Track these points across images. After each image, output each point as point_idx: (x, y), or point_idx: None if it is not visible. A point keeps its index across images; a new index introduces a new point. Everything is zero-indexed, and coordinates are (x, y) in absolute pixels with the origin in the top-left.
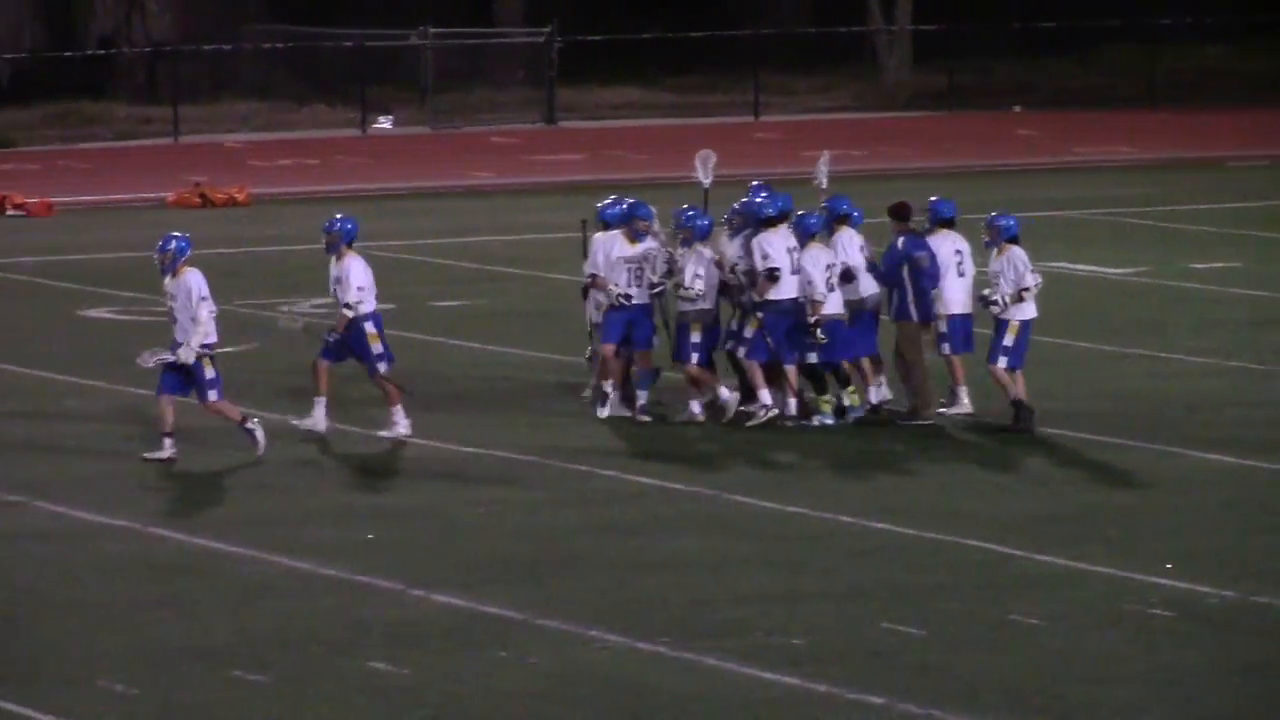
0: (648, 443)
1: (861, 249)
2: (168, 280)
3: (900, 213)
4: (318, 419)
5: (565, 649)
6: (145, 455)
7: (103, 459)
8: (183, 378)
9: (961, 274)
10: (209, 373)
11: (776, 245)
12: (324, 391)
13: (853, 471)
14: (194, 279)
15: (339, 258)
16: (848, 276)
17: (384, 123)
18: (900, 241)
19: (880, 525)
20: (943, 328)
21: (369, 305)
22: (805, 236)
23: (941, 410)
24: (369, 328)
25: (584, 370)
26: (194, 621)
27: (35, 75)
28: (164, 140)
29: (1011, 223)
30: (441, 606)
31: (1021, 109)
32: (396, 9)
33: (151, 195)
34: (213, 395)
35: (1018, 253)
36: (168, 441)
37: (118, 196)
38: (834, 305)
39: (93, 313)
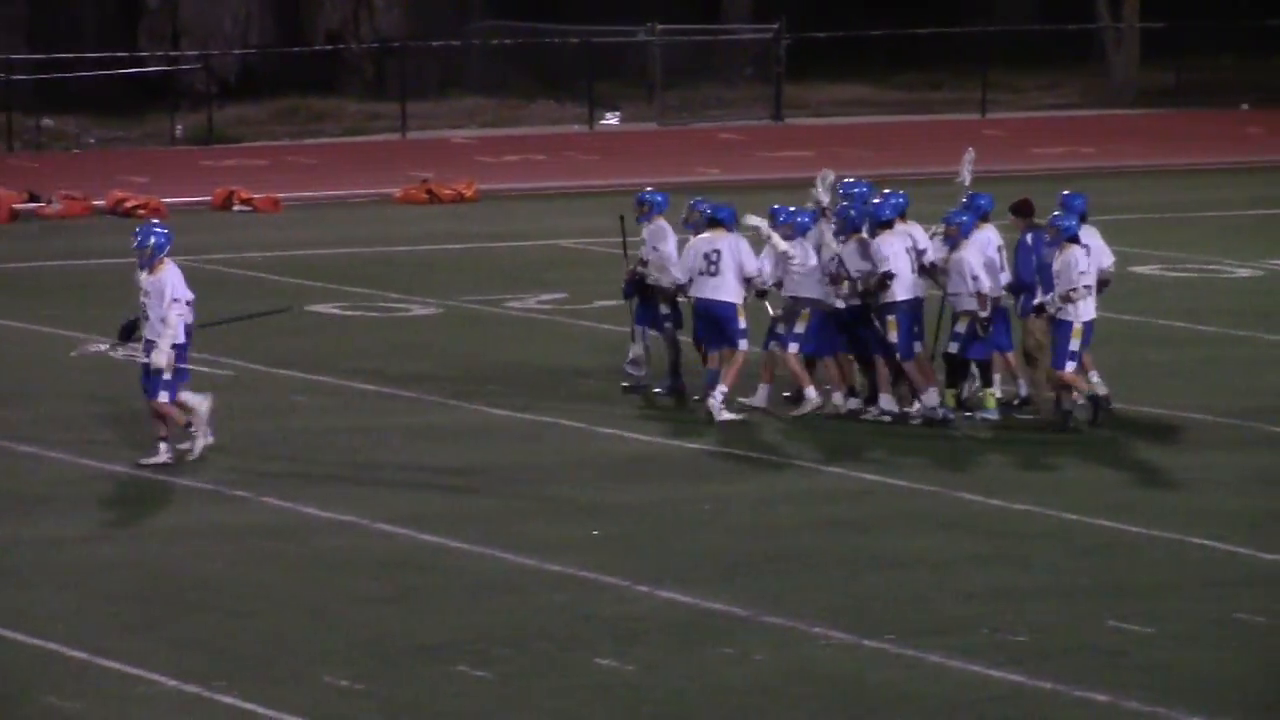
0: (870, 440)
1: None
2: (144, 275)
3: (1024, 209)
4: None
5: (789, 646)
6: (140, 460)
7: (331, 454)
8: (169, 379)
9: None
10: (166, 375)
11: (896, 247)
12: None
13: (1073, 468)
14: (171, 276)
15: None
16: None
17: (611, 119)
18: (1029, 238)
19: (1104, 522)
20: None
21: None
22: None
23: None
24: None
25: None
26: (420, 617)
27: (263, 71)
28: (391, 136)
29: (1072, 223)
30: (666, 603)
31: (1249, 107)
32: (625, 6)
33: (378, 191)
34: (163, 396)
35: (1076, 254)
36: (165, 442)
37: (344, 192)
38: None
39: (319, 308)
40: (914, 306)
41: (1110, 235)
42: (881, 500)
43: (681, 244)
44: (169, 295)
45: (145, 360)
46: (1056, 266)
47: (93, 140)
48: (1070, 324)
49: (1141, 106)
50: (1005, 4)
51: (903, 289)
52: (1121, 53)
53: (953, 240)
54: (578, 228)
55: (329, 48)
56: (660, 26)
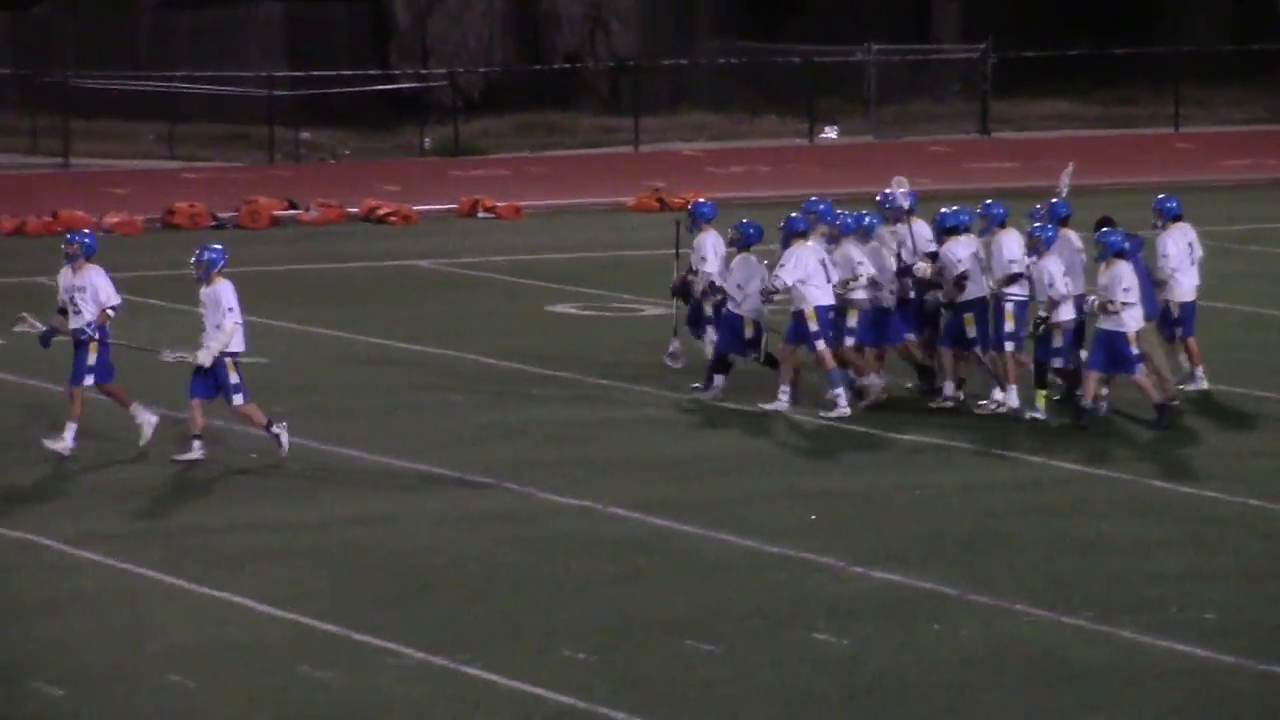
0: (1069, 433)
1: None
2: (203, 289)
3: (1107, 224)
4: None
5: (994, 623)
6: (175, 457)
7: (565, 445)
8: (211, 382)
9: (1192, 262)
10: (233, 377)
11: (962, 252)
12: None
13: (1257, 458)
14: (224, 289)
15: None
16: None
17: (830, 133)
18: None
19: None
20: (1176, 314)
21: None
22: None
23: (1181, 387)
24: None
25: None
26: (650, 595)
27: (505, 88)
28: (625, 149)
29: (1117, 238)
30: (879, 582)
31: None
32: (842, 27)
33: (613, 199)
34: (238, 399)
35: (1121, 269)
36: (197, 444)
37: (581, 201)
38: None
39: (558, 308)
40: (984, 304)
41: None
42: (1080, 487)
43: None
44: (224, 304)
45: (193, 360)
46: (1102, 280)
47: (348, 152)
48: (1113, 332)
49: None
50: (1197, 24)
51: (976, 288)
52: None
53: (1036, 250)
54: None
55: (567, 66)
56: (876, 47)
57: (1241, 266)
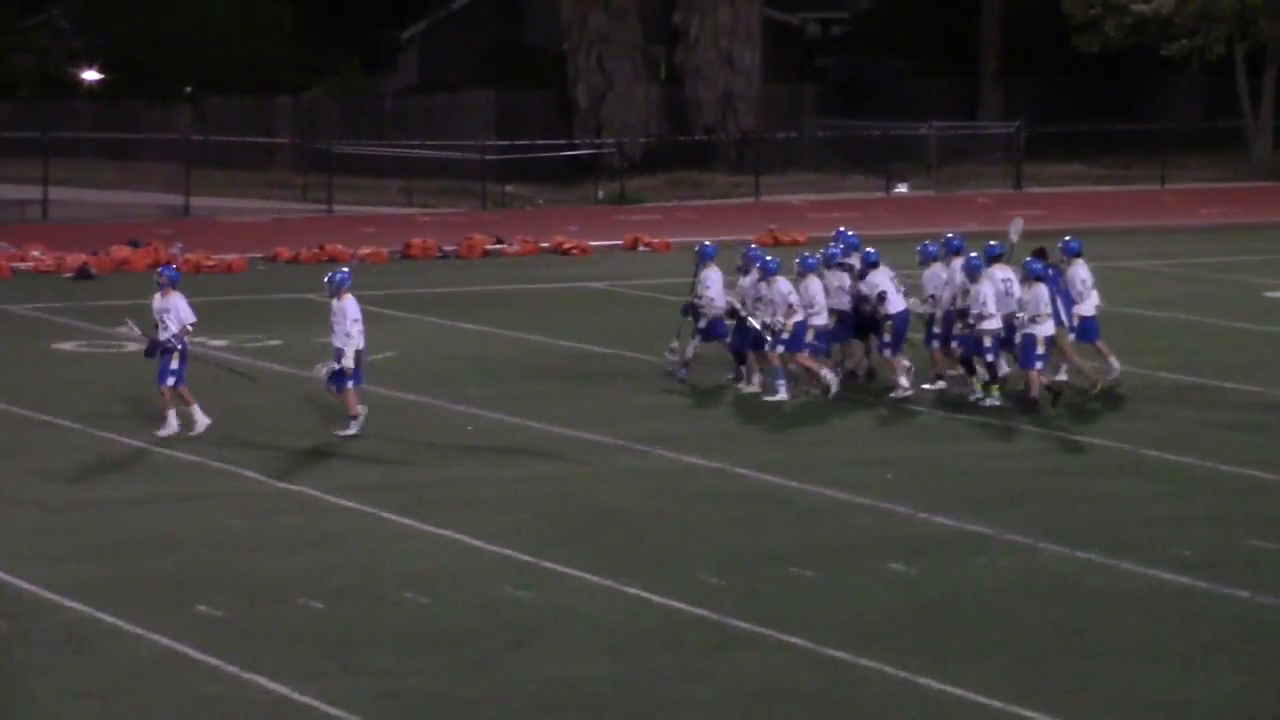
0: (1079, 412)
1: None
2: (334, 302)
3: (1040, 255)
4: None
5: (1025, 556)
6: (338, 432)
7: (703, 421)
8: (344, 375)
9: (1092, 286)
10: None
11: (988, 290)
12: None
13: (1225, 431)
14: (350, 304)
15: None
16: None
17: (901, 188)
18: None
19: (1253, 472)
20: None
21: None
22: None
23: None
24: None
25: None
26: (766, 534)
27: (659, 153)
28: (748, 200)
29: (1038, 266)
30: (940, 525)
31: None
32: (910, 109)
33: (739, 237)
34: (349, 384)
35: (1040, 290)
36: (354, 422)
37: (716, 238)
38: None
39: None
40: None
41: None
42: (1088, 455)
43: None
44: (350, 316)
45: (339, 368)
46: (1025, 298)
47: (541, 201)
48: (1034, 336)
49: (1273, 179)
50: (1178, 106)
51: (992, 323)
52: (1258, 141)
53: (973, 278)
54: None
55: (705, 137)
56: (936, 124)
57: (1212, 289)
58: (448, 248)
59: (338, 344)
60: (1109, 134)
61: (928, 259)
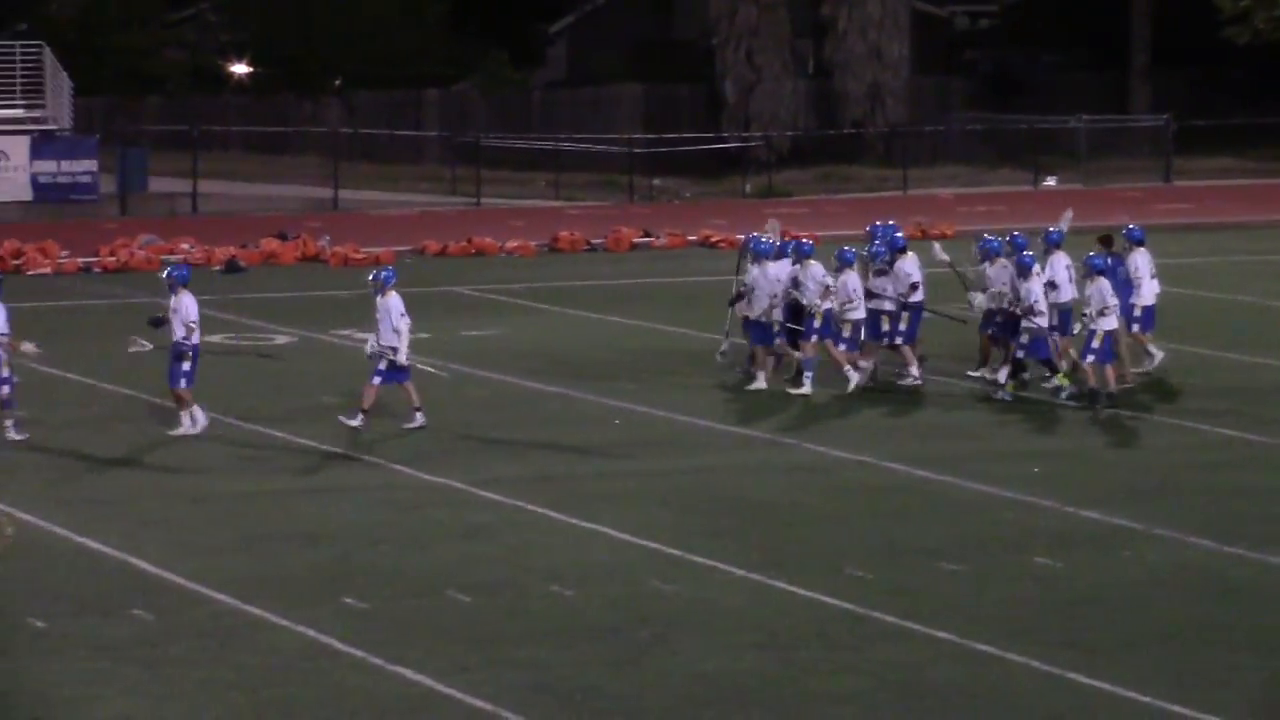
0: (1226, 405)
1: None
2: (379, 299)
3: (1106, 242)
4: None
5: (1172, 550)
6: (343, 419)
7: (854, 414)
8: (392, 371)
9: (1151, 276)
10: (383, 365)
11: (1037, 286)
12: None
13: None
14: (395, 301)
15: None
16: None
17: (1050, 181)
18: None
19: None
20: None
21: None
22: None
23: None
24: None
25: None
26: (913, 528)
27: (807, 146)
28: (896, 193)
29: (1100, 261)
30: (1086, 519)
31: None
32: (1060, 102)
33: None
34: (376, 380)
35: (1101, 284)
36: (360, 417)
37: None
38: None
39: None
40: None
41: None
42: (1235, 449)
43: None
44: (397, 312)
45: (394, 357)
46: (1088, 292)
47: (688, 195)
48: (1098, 332)
49: None
50: None
51: (1040, 320)
52: None
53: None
54: None
55: (853, 131)
56: (1085, 116)
57: None
58: (595, 241)
59: (385, 341)
60: (1259, 127)
61: (991, 254)
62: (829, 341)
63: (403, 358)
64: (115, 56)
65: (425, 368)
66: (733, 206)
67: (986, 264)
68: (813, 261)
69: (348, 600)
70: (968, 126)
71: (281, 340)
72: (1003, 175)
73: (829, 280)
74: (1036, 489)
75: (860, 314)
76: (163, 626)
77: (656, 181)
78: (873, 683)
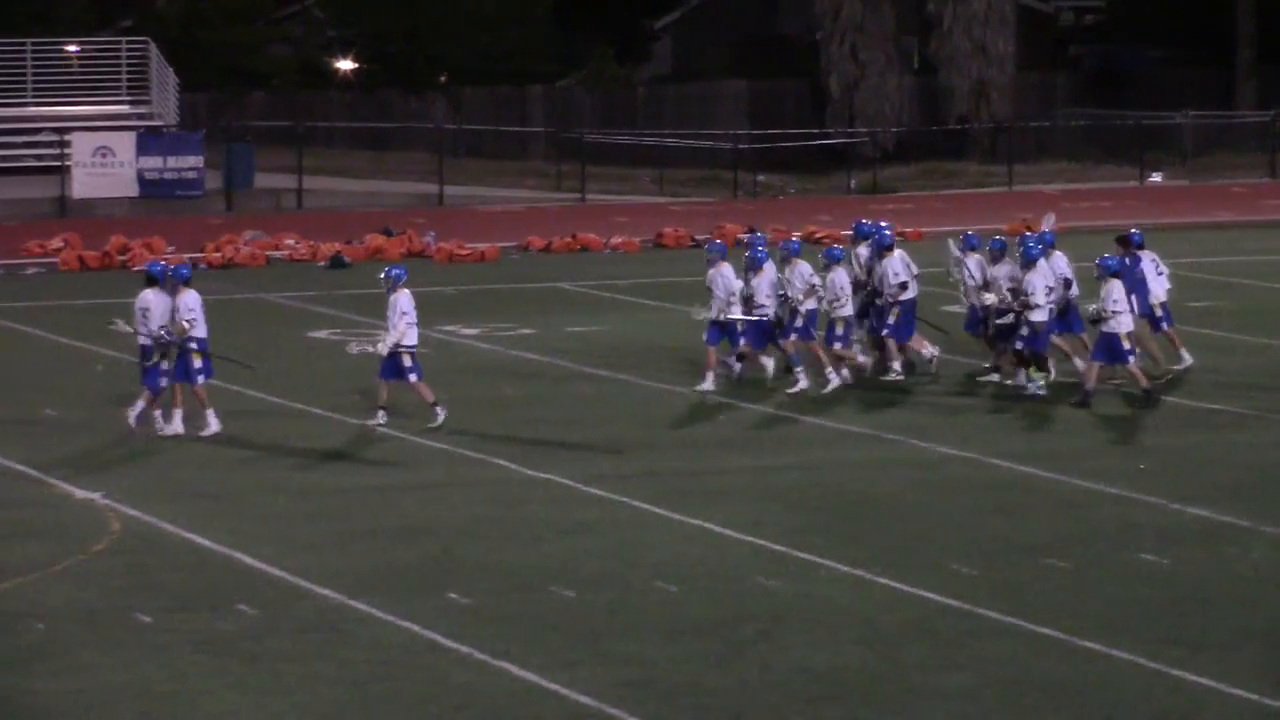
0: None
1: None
2: (390, 297)
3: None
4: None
5: (1277, 546)
6: (366, 422)
7: (959, 410)
8: (393, 367)
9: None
10: (407, 362)
11: (1038, 283)
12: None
13: None
14: (403, 298)
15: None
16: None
17: (1155, 177)
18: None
19: None
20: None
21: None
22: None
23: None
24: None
25: None
26: (1018, 525)
27: (911, 142)
28: (1001, 189)
29: (1113, 261)
30: (1193, 516)
31: None
32: (1165, 98)
33: (991, 226)
34: (413, 378)
35: (1113, 285)
36: (381, 413)
37: (968, 227)
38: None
39: (950, 308)
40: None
41: None
42: None
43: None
44: (399, 310)
45: (373, 350)
46: (1101, 293)
47: (792, 191)
48: (1110, 334)
49: None
50: None
51: (1041, 314)
52: None
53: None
54: None
55: (958, 126)
56: (1190, 112)
57: None
58: (700, 237)
59: (394, 336)
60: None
61: (999, 254)
62: (814, 342)
63: (383, 349)
64: (221, 52)
65: (367, 349)
66: (837, 203)
67: (993, 264)
68: (800, 261)
69: (452, 595)
70: (1073, 122)
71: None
72: (1108, 171)
73: (815, 280)
74: (1141, 485)
75: (848, 311)
76: (267, 622)
77: (761, 177)
78: (977, 679)
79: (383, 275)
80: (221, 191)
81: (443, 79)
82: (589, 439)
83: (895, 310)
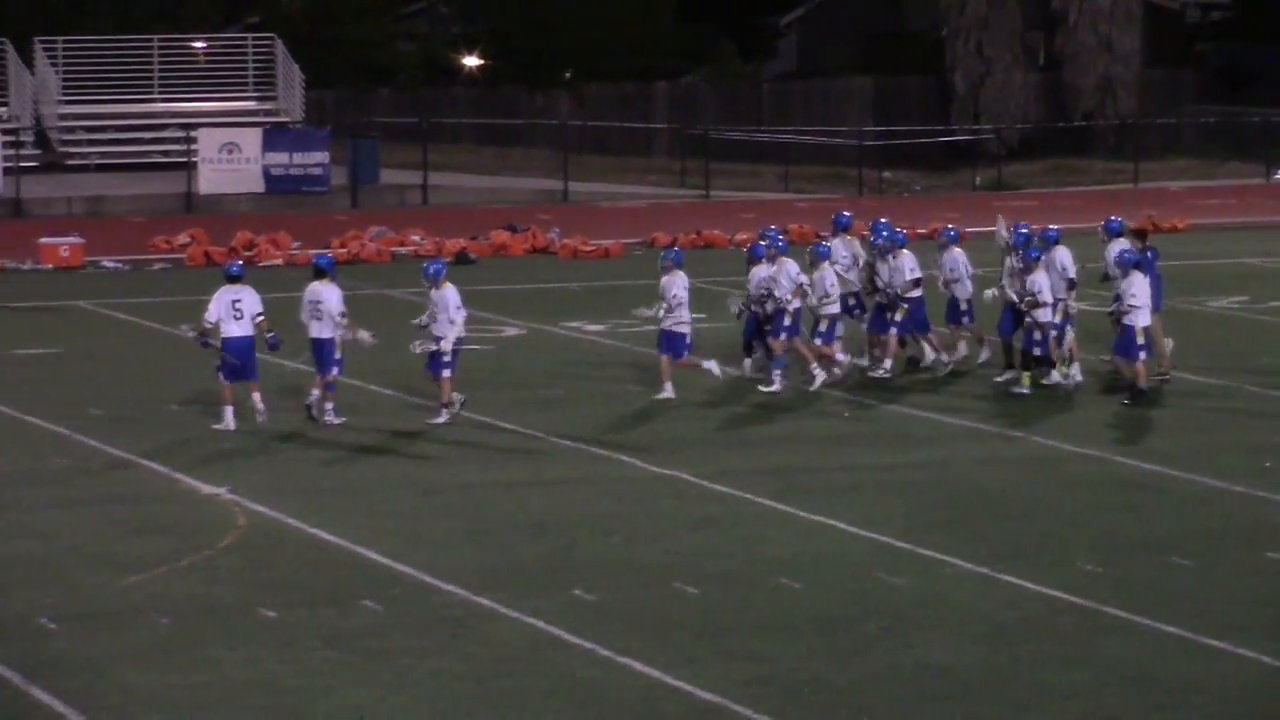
0: None
1: None
2: (433, 292)
3: (1141, 235)
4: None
5: None
6: (430, 420)
7: (1080, 407)
8: (441, 361)
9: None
10: (447, 357)
11: (1043, 281)
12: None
13: None
14: (450, 293)
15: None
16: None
17: None
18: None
19: None
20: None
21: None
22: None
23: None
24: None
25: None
26: (1142, 522)
27: (1036, 139)
28: (1126, 186)
29: (1131, 254)
30: None
31: None
32: None
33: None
34: (445, 373)
35: (1134, 278)
36: (445, 411)
37: (1094, 224)
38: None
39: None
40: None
41: None
42: None
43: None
44: (453, 304)
45: (434, 348)
46: (1121, 287)
47: (918, 188)
48: (1133, 327)
49: None
50: None
51: (1046, 313)
52: None
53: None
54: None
55: (1084, 123)
56: None
57: None
58: (823, 234)
59: (440, 331)
60: None
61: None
62: (798, 339)
63: (447, 345)
64: (347, 49)
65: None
66: (963, 199)
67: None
68: (788, 260)
69: (577, 592)
70: (1199, 119)
71: (510, 332)
72: (1234, 169)
73: (803, 279)
74: (1267, 483)
75: (836, 308)
76: (392, 617)
77: (886, 174)
78: (1101, 677)
79: (423, 270)
80: (347, 187)
81: (567, 75)
82: (713, 435)
83: (903, 308)
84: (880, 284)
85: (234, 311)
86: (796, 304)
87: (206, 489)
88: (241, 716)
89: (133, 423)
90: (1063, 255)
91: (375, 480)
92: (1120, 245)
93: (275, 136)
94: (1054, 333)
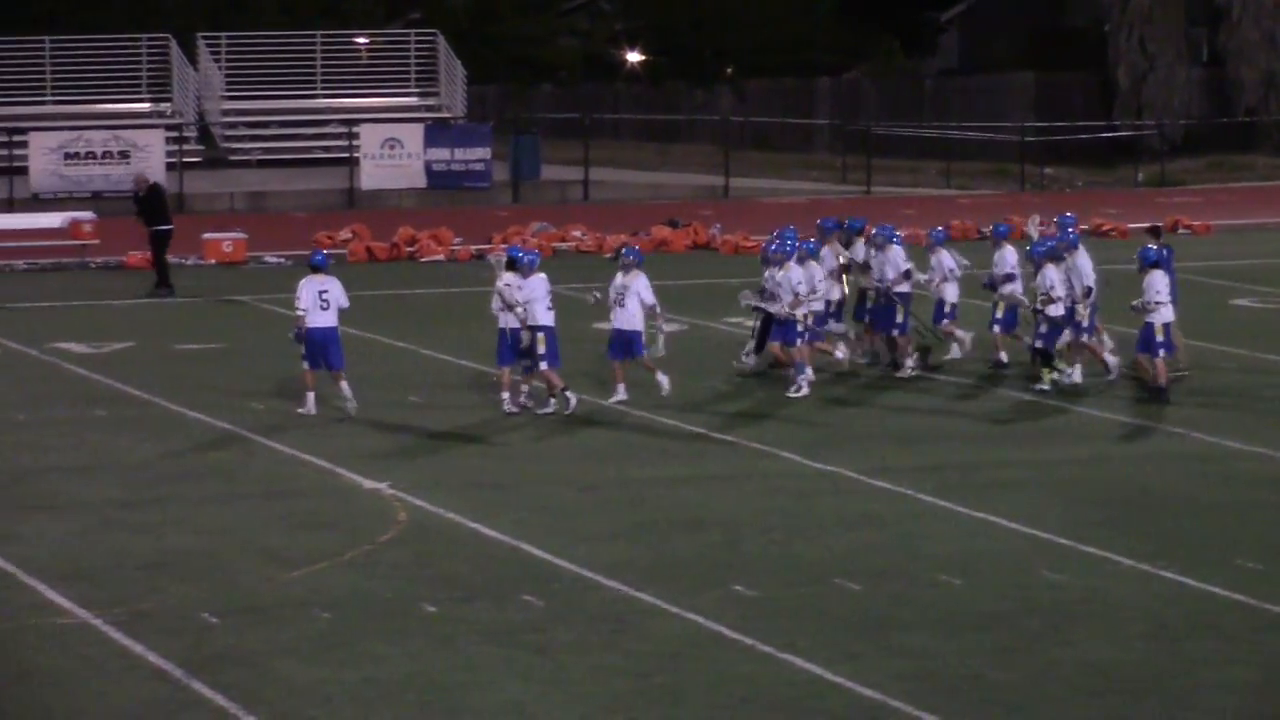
0: None
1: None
2: (520, 279)
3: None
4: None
5: None
6: (539, 410)
7: (1245, 406)
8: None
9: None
10: (541, 349)
11: (1054, 276)
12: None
13: None
14: (539, 282)
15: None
16: None
17: None
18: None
19: None
20: None
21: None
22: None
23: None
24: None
25: None
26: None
27: (1200, 135)
28: None
29: (1151, 252)
30: None
31: None
32: None
33: (1275, 220)
34: (543, 365)
35: (1155, 276)
36: (573, 398)
37: (1261, 220)
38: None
39: (1241, 301)
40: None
41: None
42: None
43: None
44: (544, 291)
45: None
46: (1141, 284)
47: (1079, 184)
48: (1153, 324)
49: None
50: None
51: (1059, 308)
52: None
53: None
54: None
55: (1248, 119)
56: None
57: None
58: (984, 229)
59: (543, 321)
60: None
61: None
62: (776, 344)
63: (799, 314)
64: (509, 45)
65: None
66: (1124, 196)
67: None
68: (794, 265)
69: (737, 587)
70: None
71: (671, 328)
72: None
73: (801, 288)
74: None
75: (819, 306)
76: (553, 613)
77: (1048, 170)
78: (1265, 674)
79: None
80: (508, 183)
81: (728, 71)
82: (873, 431)
83: (900, 308)
84: (874, 279)
85: (320, 302)
86: (800, 311)
87: (368, 484)
88: (401, 711)
89: (294, 417)
90: (1082, 261)
91: (535, 475)
92: (1008, 251)
93: (437, 132)
94: (1069, 332)
